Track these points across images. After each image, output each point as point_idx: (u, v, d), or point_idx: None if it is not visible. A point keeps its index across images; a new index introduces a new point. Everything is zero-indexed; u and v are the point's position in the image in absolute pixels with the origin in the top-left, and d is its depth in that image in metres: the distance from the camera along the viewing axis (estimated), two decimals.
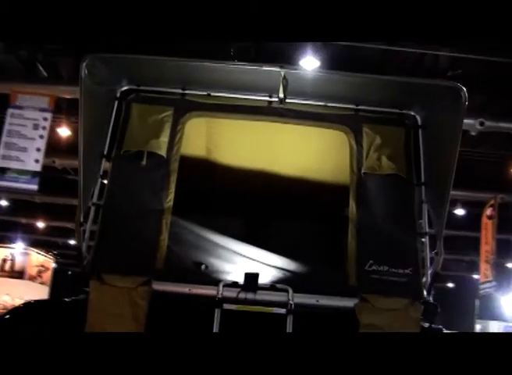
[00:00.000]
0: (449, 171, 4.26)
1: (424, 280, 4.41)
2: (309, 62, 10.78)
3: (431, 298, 4.35)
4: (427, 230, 4.57)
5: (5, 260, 19.00)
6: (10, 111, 11.36)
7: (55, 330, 4.12)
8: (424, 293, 4.36)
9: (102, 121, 4.66)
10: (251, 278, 4.21)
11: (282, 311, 4.07)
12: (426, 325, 4.33)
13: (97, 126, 4.55)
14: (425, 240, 4.56)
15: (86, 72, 4.16)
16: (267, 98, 4.91)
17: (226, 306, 4.08)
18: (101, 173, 4.71)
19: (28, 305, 4.57)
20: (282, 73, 4.31)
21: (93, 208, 4.60)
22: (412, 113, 4.93)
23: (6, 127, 11.60)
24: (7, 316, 4.40)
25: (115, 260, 4.36)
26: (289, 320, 4.03)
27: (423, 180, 4.71)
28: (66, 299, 4.46)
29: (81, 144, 4.22)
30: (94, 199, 4.63)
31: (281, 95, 4.42)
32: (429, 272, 4.42)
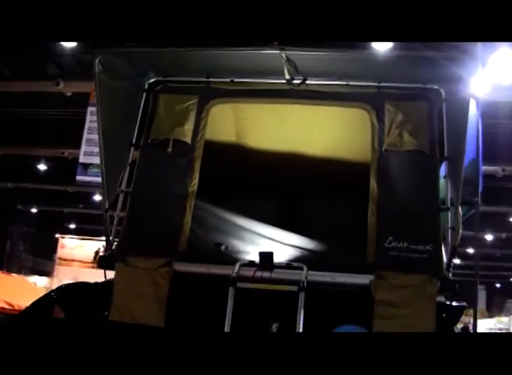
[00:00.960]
0: (463, 144, 4.17)
1: (444, 256, 4.33)
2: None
3: (450, 275, 4.26)
4: (449, 205, 4.47)
5: (97, 252, 20.02)
6: (90, 109, 12.11)
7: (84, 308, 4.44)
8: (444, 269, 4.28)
9: (125, 112, 4.90)
10: (266, 257, 4.30)
11: (295, 288, 4.14)
12: (443, 300, 4.25)
13: (119, 117, 4.79)
14: (448, 215, 4.46)
15: (100, 67, 4.40)
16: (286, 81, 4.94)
17: (240, 285, 4.20)
18: (129, 161, 4.97)
19: (68, 286, 4.94)
20: (284, 55, 4.35)
21: (121, 195, 4.86)
22: (436, 87, 4.82)
23: (87, 125, 12.37)
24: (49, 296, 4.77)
25: (139, 243, 4.61)
26: (301, 297, 4.09)
27: (446, 154, 4.61)
28: (99, 281, 4.75)
29: (100, 135, 4.49)
30: (123, 186, 4.89)
31: (287, 77, 4.46)
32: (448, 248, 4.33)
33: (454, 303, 4.33)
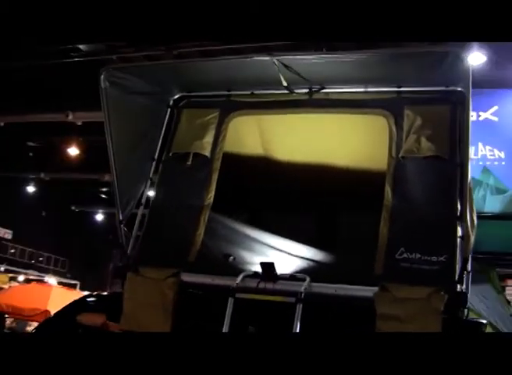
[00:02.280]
0: (468, 146, 3.92)
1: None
2: (475, 58, 10.13)
3: (462, 287, 3.95)
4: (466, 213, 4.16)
5: None
6: None
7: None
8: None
9: (144, 127, 5.05)
10: (268, 267, 4.23)
11: (293, 300, 4.03)
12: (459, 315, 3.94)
13: (135, 132, 4.96)
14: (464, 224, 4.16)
15: (107, 84, 4.58)
16: (307, 90, 4.90)
17: (239, 295, 4.16)
18: (150, 175, 5.11)
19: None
20: (275, 61, 4.30)
21: (141, 208, 5.00)
22: (459, 89, 4.54)
23: None
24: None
25: (152, 254, 4.71)
26: (299, 309, 3.97)
27: (467, 158, 4.31)
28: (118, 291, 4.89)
29: (111, 149, 4.65)
30: (143, 200, 5.03)
31: (284, 84, 4.41)
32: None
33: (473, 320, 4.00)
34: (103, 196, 23.46)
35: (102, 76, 4.58)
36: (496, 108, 7.64)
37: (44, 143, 19.39)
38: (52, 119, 15.40)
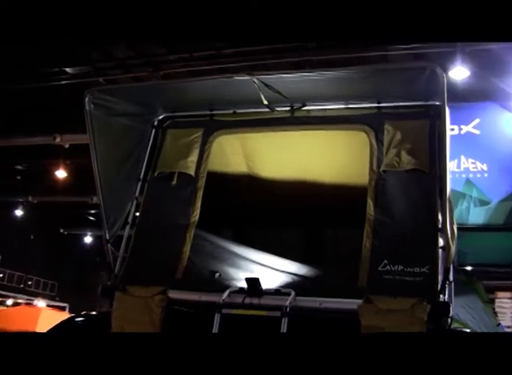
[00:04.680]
0: (446, 159, 4.03)
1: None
2: (459, 72, 10.25)
3: (445, 297, 4.04)
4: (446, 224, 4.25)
5: None
6: None
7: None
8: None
9: (129, 148, 5.14)
10: (253, 282, 4.30)
11: (277, 314, 4.10)
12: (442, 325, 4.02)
13: (120, 152, 5.04)
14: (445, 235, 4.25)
15: (91, 106, 4.68)
16: (288, 108, 5.01)
17: (225, 311, 4.22)
18: (136, 194, 5.18)
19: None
20: (255, 80, 4.41)
21: (127, 227, 5.06)
22: (438, 103, 4.65)
23: None
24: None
25: (139, 273, 4.77)
26: (284, 323, 4.04)
27: (445, 171, 4.42)
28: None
29: (96, 171, 4.73)
30: (130, 220, 5.10)
31: (265, 103, 4.51)
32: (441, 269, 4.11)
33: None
34: (91, 218, 23.38)
35: (87, 99, 4.68)
36: (477, 121, 7.74)
37: (31, 166, 19.37)
38: (40, 142, 15.45)
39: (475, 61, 9.81)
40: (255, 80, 4.43)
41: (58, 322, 5.14)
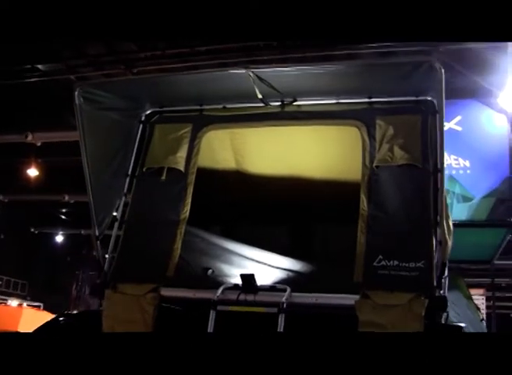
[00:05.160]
0: (443, 154, 4.04)
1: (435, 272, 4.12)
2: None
3: (441, 291, 4.05)
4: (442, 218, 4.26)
5: None
6: None
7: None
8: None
9: (118, 143, 5.05)
10: (247, 278, 4.26)
11: (274, 310, 4.06)
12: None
13: (109, 148, 4.95)
14: (441, 230, 4.26)
15: (81, 100, 4.57)
16: (279, 103, 4.96)
17: (220, 308, 4.17)
18: (125, 190, 5.09)
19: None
20: (251, 74, 4.36)
21: (116, 224, 4.97)
22: (429, 98, 4.67)
23: None
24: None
25: (129, 270, 4.69)
26: (281, 319, 4.01)
27: (439, 166, 4.43)
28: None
29: (86, 165, 4.62)
30: (118, 216, 5.01)
31: (259, 96, 4.47)
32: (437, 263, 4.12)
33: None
34: (63, 217, 23.08)
35: (76, 93, 4.57)
36: (459, 118, 7.85)
37: (2, 164, 19.02)
38: (11, 140, 15.17)
39: (453, 56, 9.89)
40: (250, 74, 4.38)
41: (43, 322, 5.02)
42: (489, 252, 8.31)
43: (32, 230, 23.82)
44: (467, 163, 7.70)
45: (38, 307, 19.63)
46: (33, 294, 25.54)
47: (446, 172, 7.70)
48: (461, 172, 7.72)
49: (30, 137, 14.22)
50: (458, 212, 7.55)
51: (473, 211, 7.54)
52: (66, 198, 17.93)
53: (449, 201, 7.54)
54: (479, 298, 14.86)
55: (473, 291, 14.76)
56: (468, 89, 7.96)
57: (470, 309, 7.42)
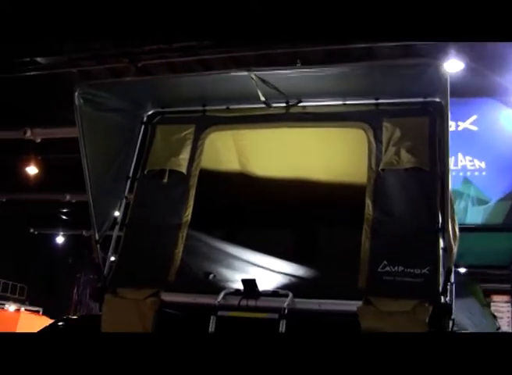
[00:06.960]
0: (448, 157, 4.19)
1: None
2: (453, 65, 10.34)
3: (446, 299, 4.19)
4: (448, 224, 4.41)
5: None
6: None
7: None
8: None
9: (118, 145, 5.24)
10: (249, 284, 4.43)
11: (276, 316, 4.23)
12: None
13: (109, 149, 5.14)
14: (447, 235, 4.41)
15: (81, 101, 4.77)
16: (284, 104, 5.13)
17: (221, 313, 4.35)
18: (125, 193, 5.28)
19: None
20: (253, 76, 4.53)
21: (117, 227, 5.16)
22: (437, 100, 4.81)
23: None
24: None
25: (130, 274, 4.88)
26: (282, 325, 4.18)
27: (447, 169, 4.57)
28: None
29: (86, 169, 4.83)
30: (119, 218, 5.20)
31: (262, 99, 4.65)
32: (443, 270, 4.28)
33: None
34: (64, 217, 23.29)
35: (76, 93, 4.76)
36: (475, 117, 7.90)
37: (0, 162, 19.22)
38: (9, 136, 15.36)
39: (470, 54, 9.95)
40: (253, 76, 4.55)
41: (40, 326, 5.23)
42: (507, 257, 8.37)
43: (31, 230, 24.04)
44: (483, 164, 7.75)
45: (37, 312, 19.84)
46: (32, 298, 25.75)
47: (461, 174, 7.84)
48: (476, 173, 7.78)
49: (28, 133, 14.42)
50: (473, 215, 7.61)
51: (489, 214, 7.59)
52: (67, 197, 18.12)
53: (463, 204, 7.66)
54: (504, 305, 14.85)
55: (496, 298, 14.80)
56: (485, 87, 8.02)
57: (485, 317, 7.51)
